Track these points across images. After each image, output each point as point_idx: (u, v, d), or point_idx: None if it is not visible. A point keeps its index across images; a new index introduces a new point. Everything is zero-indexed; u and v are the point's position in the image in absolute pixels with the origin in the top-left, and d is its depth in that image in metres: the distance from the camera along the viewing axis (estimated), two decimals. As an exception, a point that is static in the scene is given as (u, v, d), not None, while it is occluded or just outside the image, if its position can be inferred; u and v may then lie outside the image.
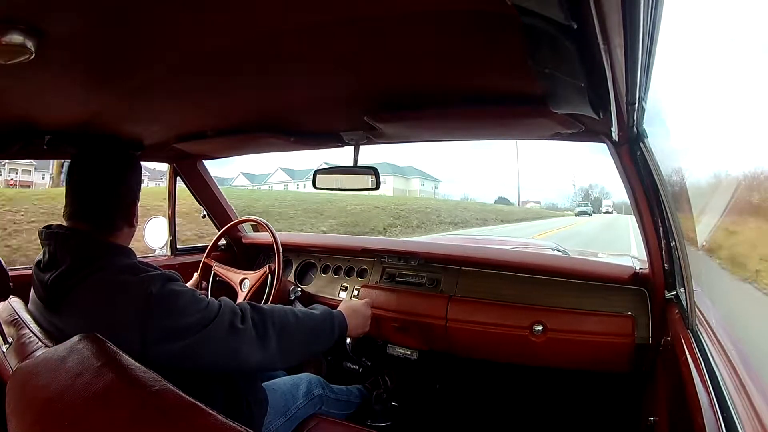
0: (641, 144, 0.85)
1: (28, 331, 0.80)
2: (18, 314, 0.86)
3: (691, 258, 0.90)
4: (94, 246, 0.82)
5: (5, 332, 0.83)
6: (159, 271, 0.82)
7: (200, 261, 1.64)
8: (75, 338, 0.55)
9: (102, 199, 0.86)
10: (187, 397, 0.46)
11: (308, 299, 1.65)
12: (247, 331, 0.85)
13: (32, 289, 0.87)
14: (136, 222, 0.91)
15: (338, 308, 1.13)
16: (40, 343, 0.75)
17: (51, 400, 0.48)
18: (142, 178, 0.96)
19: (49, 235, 0.84)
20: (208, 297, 1.56)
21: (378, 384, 1.54)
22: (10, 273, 0.88)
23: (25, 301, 0.91)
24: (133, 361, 0.52)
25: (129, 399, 0.46)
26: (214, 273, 1.62)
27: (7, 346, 0.80)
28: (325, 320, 1.03)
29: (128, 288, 0.77)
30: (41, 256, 0.84)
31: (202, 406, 0.45)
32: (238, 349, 0.83)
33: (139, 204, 0.91)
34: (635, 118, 0.74)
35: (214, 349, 0.80)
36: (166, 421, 0.44)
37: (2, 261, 0.86)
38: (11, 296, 0.90)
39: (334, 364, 1.64)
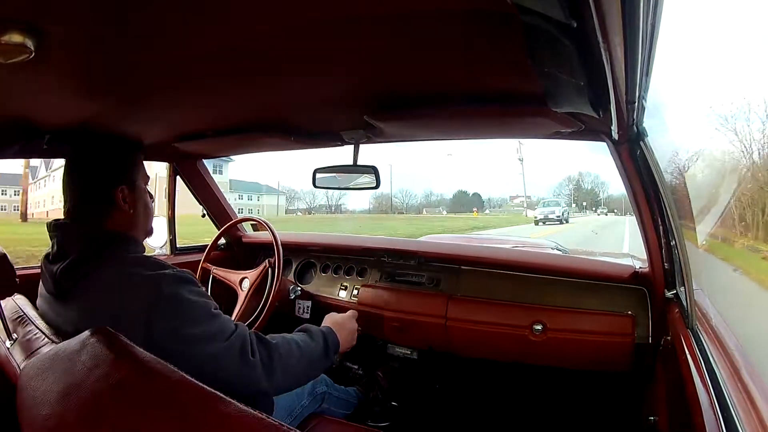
0: (641, 143, 0.85)
1: (34, 327, 0.80)
2: (23, 311, 0.86)
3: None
4: (101, 236, 0.83)
5: (10, 329, 0.83)
6: (173, 271, 0.80)
7: (199, 260, 1.64)
8: (86, 332, 0.55)
9: (85, 188, 0.87)
10: (205, 386, 0.46)
11: (308, 298, 1.65)
12: (256, 363, 0.83)
13: (41, 284, 0.88)
14: (131, 206, 0.88)
15: (326, 324, 1.11)
16: (46, 339, 0.76)
17: (67, 391, 0.48)
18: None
19: (56, 227, 0.84)
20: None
21: (372, 385, 1.53)
22: (17, 272, 0.88)
23: (31, 298, 0.92)
24: (148, 353, 0.52)
25: (147, 389, 0.46)
26: (213, 276, 1.62)
27: (12, 342, 0.80)
28: (324, 349, 1.01)
29: (139, 282, 0.77)
30: (50, 249, 0.85)
31: (221, 395, 0.45)
32: (241, 375, 0.82)
33: (138, 192, 0.90)
34: (635, 116, 0.74)
35: (217, 367, 0.79)
36: (187, 410, 0.44)
37: (9, 257, 0.86)
38: (16, 293, 0.91)
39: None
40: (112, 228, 0.85)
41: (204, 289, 0.86)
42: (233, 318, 1.48)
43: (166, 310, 0.75)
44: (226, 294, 1.60)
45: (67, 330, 0.76)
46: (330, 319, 1.15)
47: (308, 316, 1.65)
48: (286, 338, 0.94)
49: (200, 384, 0.46)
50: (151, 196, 0.95)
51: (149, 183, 0.96)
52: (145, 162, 0.98)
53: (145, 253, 0.89)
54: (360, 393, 1.43)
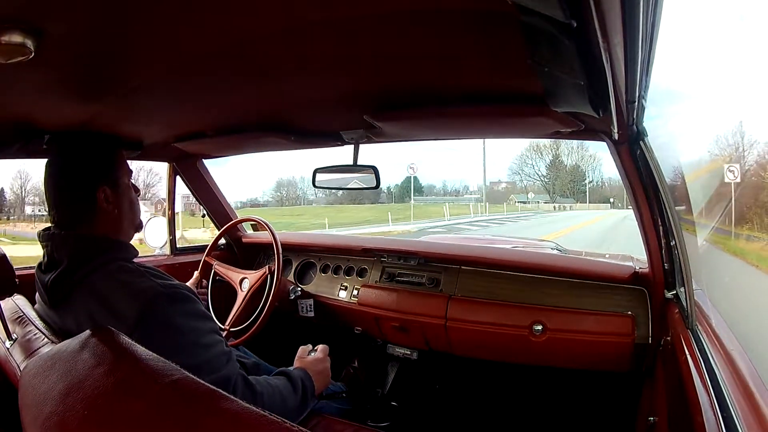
0: (641, 143, 0.85)
1: (33, 327, 0.80)
2: (23, 311, 0.86)
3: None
4: (89, 244, 0.82)
5: (9, 329, 0.83)
6: (168, 286, 0.78)
7: (199, 260, 1.64)
8: (86, 332, 0.55)
9: (65, 193, 0.85)
10: (207, 384, 0.46)
11: (308, 298, 1.65)
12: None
13: (37, 291, 0.88)
14: (115, 206, 0.86)
15: (298, 366, 1.07)
16: (46, 339, 0.76)
17: (70, 390, 0.48)
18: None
19: (46, 236, 0.84)
20: (208, 299, 1.55)
21: (358, 379, 1.52)
22: (17, 272, 0.89)
23: (30, 299, 0.92)
24: (150, 352, 0.52)
25: (150, 387, 0.46)
26: (215, 272, 1.62)
27: (11, 342, 0.80)
28: (302, 400, 0.98)
29: (129, 293, 0.76)
30: (42, 258, 0.85)
31: (224, 392, 0.45)
32: None
33: (121, 190, 0.88)
34: (635, 116, 0.75)
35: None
36: (189, 407, 0.44)
37: (8, 258, 0.87)
38: (15, 294, 0.91)
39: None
40: (99, 232, 0.84)
41: (201, 304, 0.83)
42: (230, 317, 1.49)
43: (150, 330, 0.73)
44: (226, 292, 1.60)
45: (65, 337, 0.75)
46: (302, 362, 1.09)
47: (313, 314, 1.64)
48: (271, 386, 0.91)
49: (202, 382, 0.46)
50: (136, 190, 0.93)
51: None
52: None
53: (138, 255, 0.88)
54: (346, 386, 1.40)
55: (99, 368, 0.49)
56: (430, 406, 1.65)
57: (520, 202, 38.06)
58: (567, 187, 38.88)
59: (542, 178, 40.31)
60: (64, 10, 0.51)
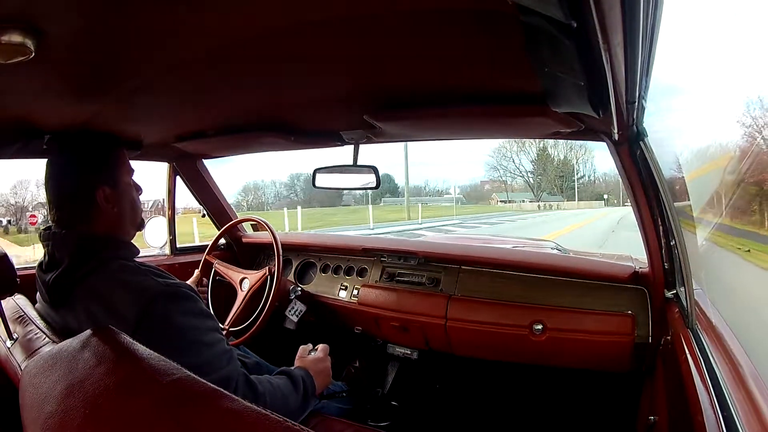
0: (641, 143, 0.85)
1: (34, 327, 0.81)
2: (24, 311, 0.87)
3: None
4: (90, 243, 0.82)
5: (10, 328, 0.83)
6: (168, 284, 0.78)
7: (199, 261, 1.64)
8: (87, 332, 0.56)
9: (65, 192, 0.85)
10: (208, 383, 0.46)
11: (308, 298, 1.65)
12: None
13: (38, 290, 0.88)
14: (114, 205, 0.86)
15: (299, 365, 1.07)
16: (47, 339, 0.76)
17: (70, 389, 0.48)
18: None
19: (47, 235, 0.84)
20: (208, 298, 1.55)
21: (359, 379, 1.52)
22: (18, 272, 0.89)
23: (31, 299, 0.92)
24: (151, 351, 0.52)
25: (151, 387, 0.46)
26: (215, 271, 1.62)
27: (12, 342, 0.80)
28: (303, 399, 0.98)
29: (130, 291, 0.76)
30: (43, 258, 0.85)
31: (223, 391, 0.45)
32: None
33: (121, 189, 0.88)
34: (635, 117, 0.75)
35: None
36: (190, 407, 0.44)
37: (10, 257, 0.87)
38: (16, 293, 0.91)
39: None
40: (100, 231, 0.84)
41: (203, 303, 0.83)
42: (230, 317, 1.49)
43: (151, 329, 0.73)
44: (226, 292, 1.60)
45: (66, 336, 0.76)
46: (303, 361, 1.09)
47: (296, 320, 1.59)
48: (273, 386, 0.91)
49: (203, 381, 0.46)
50: (137, 188, 0.92)
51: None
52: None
53: (139, 254, 0.88)
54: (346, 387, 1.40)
55: (100, 368, 0.49)
56: (430, 405, 1.65)
57: (502, 201, 36.41)
58: (555, 183, 35.75)
59: (526, 174, 37.43)
60: (64, 10, 0.51)
